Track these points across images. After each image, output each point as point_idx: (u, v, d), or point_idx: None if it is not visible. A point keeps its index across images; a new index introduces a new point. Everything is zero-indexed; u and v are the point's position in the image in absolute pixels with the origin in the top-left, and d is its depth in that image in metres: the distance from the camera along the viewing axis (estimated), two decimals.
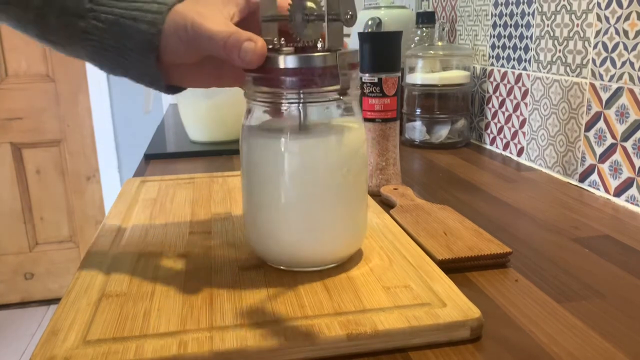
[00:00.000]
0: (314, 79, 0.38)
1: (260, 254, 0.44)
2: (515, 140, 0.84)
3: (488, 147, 0.92)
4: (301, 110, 0.40)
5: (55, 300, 2.15)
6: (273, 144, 0.40)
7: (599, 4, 0.65)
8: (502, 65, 0.87)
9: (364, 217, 0.45)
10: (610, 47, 0.64)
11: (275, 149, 0.40)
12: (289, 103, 0.40)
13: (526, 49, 0.80)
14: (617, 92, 0.63)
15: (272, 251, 0.43)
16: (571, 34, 0.70)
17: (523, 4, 0.81)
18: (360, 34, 0.63)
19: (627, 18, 0.61)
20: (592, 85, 0.67)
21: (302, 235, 0.41)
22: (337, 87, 0.38)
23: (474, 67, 0.96)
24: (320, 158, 0.40)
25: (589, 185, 0.68)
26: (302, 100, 0.39)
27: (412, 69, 0.93)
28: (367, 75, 0.63)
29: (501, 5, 0.87)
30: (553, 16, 0.74)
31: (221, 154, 0.88)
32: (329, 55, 0.38)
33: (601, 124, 0.66)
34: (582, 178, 0.69)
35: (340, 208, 0.42)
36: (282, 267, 0.43)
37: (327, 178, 0.40)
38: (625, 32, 0.61)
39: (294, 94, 0.39)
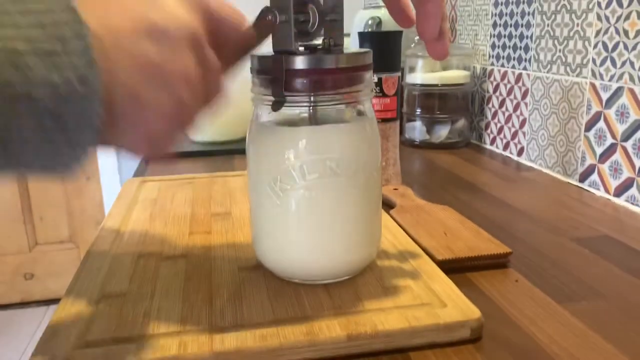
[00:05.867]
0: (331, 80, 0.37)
1: (270, 267, 0.42)
2: (516, 140, 0.84)
3: (488, 147, 0.92)
4: (311, 111, 0.38)
5: (55, 301, 2.15)
6: (284, 133, 0.38)
7: (599, 4, 0.65)
8: (502, 65, 0.87)
9: (379, 224, 0.43)
10: (610, 46, 0.64)
11: (290, 139, 0.38)
12: (301, 106, 0.38)
13: (526, 49, 0.80)
14: (617, 92, 0.63)
15: (282, 264, 0.40)
16: (571, 34, 0.70)
17: (523, 3, 0.80)
18: (361, 34, 0.63)
19: (627, 17, 0.61)
20: (592, 85, 0.67)
21: (314, 246, 0.39)
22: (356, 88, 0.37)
23: (474, 66, 0.96)
24: (336, 147, 0.38)
25: (589, 186, 0.68)
26: (312, 103, 0.37)
27: (412, 69, 0.93)
28: None
29: (501, 4, 0.87)
30: (553, 16, 0.74)
31: (221, 154, 0.88)
32: (347, 56, 0.37)
33: (601, 123, 0.66)
34: (582, 178, 0.69)
35: (357, 211, 0.39)
36: (295, 280, 0.41)
37: (343, 173, 0.38)
38: (626, 32, 0.61)
39: (307, 96, 0.37)
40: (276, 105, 0.37)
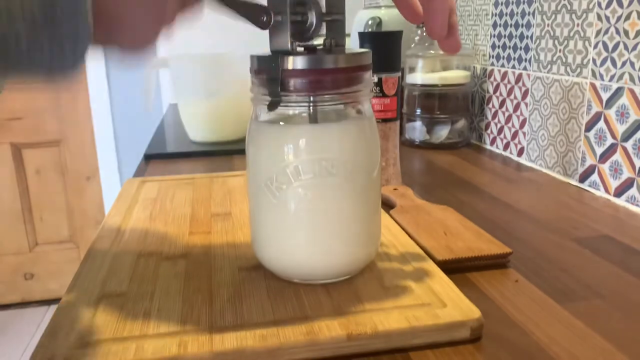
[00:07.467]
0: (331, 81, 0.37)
1: (269, 267, 0.41)
2: (516, 141, 0.84)
3: (488, 147, 0.92)
4: (310, 111, 0.38)
5: (55, 301, 2.15)
6: (279, 132, 0.38)
7: (599, 4, 0.65)
8: (503, 65, 0.87)
9: (379, 224, 0.43)
10: (610, 46, 0.64)
11: (285, 138, 0.37)
12: (298, 106, 0.38)
13: (526, 49, 0.80)
14: (618, 92, 0.63)
15: (281, 264, 0.40)
16: (571, 34, 0.70)
17: (523, 3, 0.80)
18: (361, 34, 0.63)
19: (628, 18, 0.61)
20: (593, 85, 0.67)
21: (312, 245, 0.39)
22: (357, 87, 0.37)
23: (474, 67, 0.96)
24: (331, 147, 0.38)
25: (589, 186, 0.68)
26: (310, 103, 0.37)
27: (412, 69, 0.93)
28: None
29: (501, 4, 0.87)
30: (553, 16, 0.74)
31: (221, 154, 0.88)
32: (346, 56, 0.37)
33: (601, 124, 0.66)
34: (583, 178, 0.69)
35: (355, 211, 0.39)
36: (295, 280, 0.40)
37: (339, 173, 0.38)
38: (626, 32, 0.61)
39: (303, 96, 0.37)
40: (272, 105, 0.37)
